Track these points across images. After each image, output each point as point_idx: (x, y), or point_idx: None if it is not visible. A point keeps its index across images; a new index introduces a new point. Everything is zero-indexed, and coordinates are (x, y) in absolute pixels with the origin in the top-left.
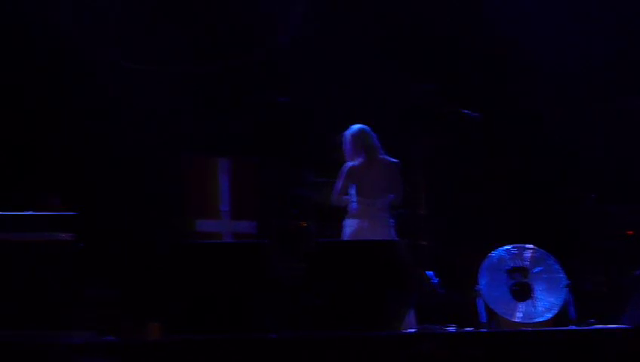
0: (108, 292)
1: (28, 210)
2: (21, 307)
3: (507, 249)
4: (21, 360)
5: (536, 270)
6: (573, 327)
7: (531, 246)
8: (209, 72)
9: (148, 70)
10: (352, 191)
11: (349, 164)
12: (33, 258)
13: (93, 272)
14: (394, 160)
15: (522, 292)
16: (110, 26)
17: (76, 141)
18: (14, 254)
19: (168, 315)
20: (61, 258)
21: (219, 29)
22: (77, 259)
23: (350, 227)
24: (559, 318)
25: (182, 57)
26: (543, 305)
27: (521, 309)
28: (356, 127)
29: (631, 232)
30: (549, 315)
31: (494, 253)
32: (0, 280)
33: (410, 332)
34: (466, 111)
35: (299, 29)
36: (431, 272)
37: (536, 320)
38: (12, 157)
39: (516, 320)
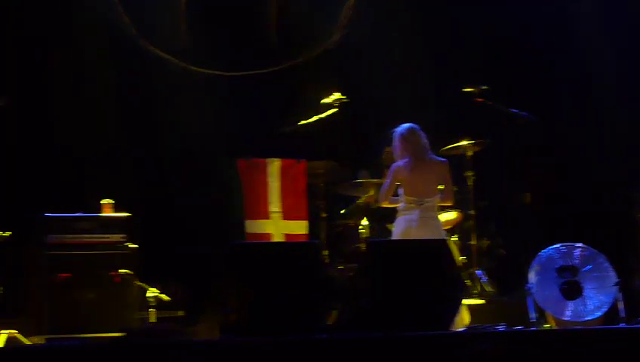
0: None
1: (82, 212)
2: (72, 309)
3: (557, 247)
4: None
5: (585, 268)
6: (623, 326)
7: (581, 244)
8: (259, 74)
9: (201, 72)
10: (401, 190)
11: (397, 164)
12: (88, 259)
13: (147, 273)
14: (442, 159)
15: (572, 291)
16: (167, 29)
17: (130, 143)
18: (68, 256)
19: (223, 316)
20: (115, 258)
21: (270, 31)
22: (129, 260)
23: (399, 226)
24: (609, 317)
25: (233, 59)
26: (593, 304)
27: (570, 308)
28: (405, 126)
29: None
30: (598, 314)
31: (544, 252)
32: (56, 280)
33: (460, 332)
34: (515, 110)
35: (351, 28)
36: (480, 271)
37: (586, 318)
38: (67, 159)
39: (566, 319)
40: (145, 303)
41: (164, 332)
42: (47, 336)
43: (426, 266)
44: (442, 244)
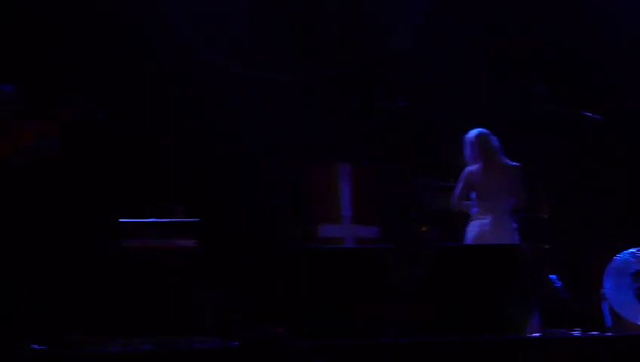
0: (231, 297)
1: (152, 218)
2: (145, 314)
3: (632, 252)
4: None
5: None
6: None
7: None
8: (329, 77)
9: (269, 77)
10: (473, 195)
11: (468, 168)
12: (157, 264)
13: (216, 278)
14: (514, 163)
15: None
16: (233, 36)
17: (199, 148)
18: (139, 260)
19: (291, 320)
20: (184, 264)
21: (338, 33)
22: (199, 265)
23: (472, 231)
24: None
25: (303, 63)
26: None
27: None
28: (476, 130)
29: None
30: None
31: (619, 256)
32: (125, 286)
33: (534, 337)
34: (587, 113)
35: (419, 31)
36: (554, 276)
37: None
38: (137, 164)
39: None
40: (213, 308)
41: (274, 338)
42: (120, 340)
43: (501, 271)
44: (517, 249)
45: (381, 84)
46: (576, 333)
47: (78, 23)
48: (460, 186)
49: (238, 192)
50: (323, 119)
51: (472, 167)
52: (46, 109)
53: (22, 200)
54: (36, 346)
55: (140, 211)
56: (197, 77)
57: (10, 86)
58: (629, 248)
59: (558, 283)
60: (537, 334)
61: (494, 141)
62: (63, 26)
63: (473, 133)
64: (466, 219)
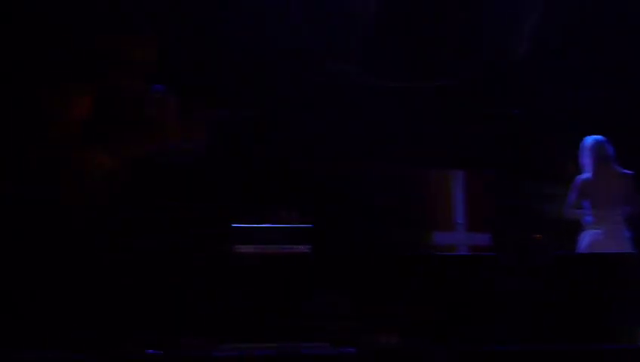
0: (343, 303)
1: (266, 223)
2: (258, 319)
3: None
4: None
5: None
6: None
7: None
8: (442, 86)
9: (384, 86)
10: (586, 203)
11: (581, 176)
12: (270, 269)
13: (329, 284)
14: (628, 171)
15: None
16: (349, 44)
17: (313, 154)
18: (255, 266)
19: (403, 325)
20: (298, 270)
21: (451, 41)
22: (313, 270)
23: (585, 240)
24: None
25: (416, 71)
26: None
27: None
28: (591, 138)
29: None
30: None
31: None
32: (238, 291)
33: None
34: None
35: (533, 39)
36: None
37: None
38: (252, 171)
39: None
40: (327, 313)
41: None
42: (238, 346)
43: (615, 280)
44: (631, 258)
45: (496, 92)
46: None
47: (235, 35)
48: (573, 194)
49: (353, 198)
50: (439, 126)
51: (585, 176)
52: (194, 110)
53: (163, 198)
54: (151, 351)
55: (254, 216)
56: (319, 85)
57: (162, 85)
58: None
59: None
60: None
61: (609, 149)
62: (220, 37)
63: (588, 140)
64: (578, 227)
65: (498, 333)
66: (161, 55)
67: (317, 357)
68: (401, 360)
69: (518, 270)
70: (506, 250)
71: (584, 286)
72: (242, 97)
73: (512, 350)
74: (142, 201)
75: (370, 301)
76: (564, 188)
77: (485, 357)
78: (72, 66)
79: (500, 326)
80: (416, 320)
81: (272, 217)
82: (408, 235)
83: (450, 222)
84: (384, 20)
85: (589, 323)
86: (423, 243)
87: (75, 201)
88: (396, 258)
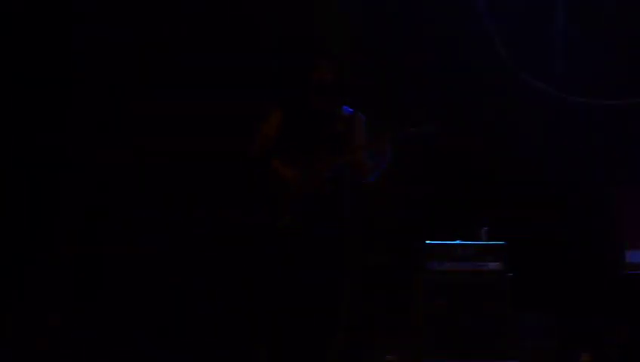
0: (543, 323)
1: (458, 240)
2: (452, 336)
3: None
4: None
5: None
6: None
7: None
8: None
9: (587, 103)
10: None
11: None
12: (466, 287)
13: (526, 303)
14: None
15: None
16: (542, 56)
17: (506, 173)
18: (446, 283)
19: (601, 347)
20: (492, 288)
21: None
22: (507, 288)
23: None
24: None
25: (621, 88)
26: None
27: None
28: None
29: None
30: None
31: None
32: (433, 309)
33: None
34: None
35: None
36: None
37: None
38: (440, 189)
39: None
40: (524, 333)
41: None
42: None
43: None
44: None
45: None
46: None
47: (421, 52)
48: None
49: (549, 216)
50: (635, 143)
51: None
52: (381, 128)
53: (353, 215)
54: None
55: (447, 233)
56: (513, 101)
57: (350, 105)
58: None
59: None
60: None
61: None
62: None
63: None
64: None
65: None
66: (350, 74)
67: None
68: None
69: None
70: None
71: None
72: (430, 114)
73: None
74: (334, 218)
75: (566, 320)
76: None
77: None
78: (265, 83)
79: None
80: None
81: (464, 234)
82: (607, 254)
83: None
84: (585, 36)
85: None
86: (617, 262)
87: (268, 219)
88: (602, 277)
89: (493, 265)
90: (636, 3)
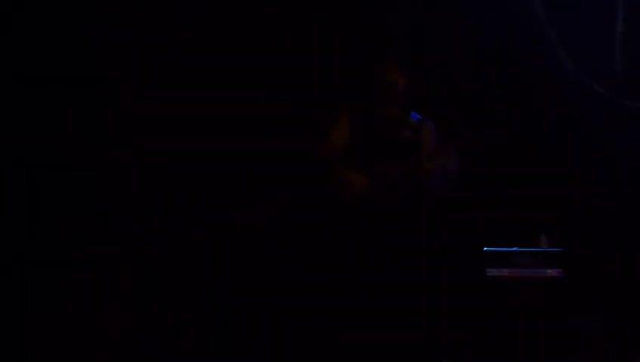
0: (602, 327)
1: (516, 246)
2: (512, 344)
3: None
4: None
5: None
6: None
7: None
8: None
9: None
10: None
11: None
12: (523, 294)
13: (585, 308)
14: None
15: None
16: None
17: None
18: (505, 290)
19: None
20: (549, 294)
21: None
22: (565, 295)
23: None
24: None
25: None
26: None
27: None
28: None
29: None
30: None
31: None
32: (490, 316)
33: None
34: None
35: None
36: None
37: None
38: (503, 195)
39: None
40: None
41: None
42: None
43: None
44: None
45: None
46: None
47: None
48: None
49: (606, 222)
50: None
51: None
52: (451, 136)
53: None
54: None
55: (505, 239)
56: (581, 108)
57: (418, 113)
58: None
59: None
60: None
61: None
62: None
63: None
64: None
65: None
66: (417, 81)
67: None
68: None
69: None
70: None
71: None
72: (498, 121)
73: None
74: (396, 228)
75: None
76: None
77: None
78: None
79: None
80: None
81: (523, 240)
82: None
83: None
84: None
85: None
86: None
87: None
88: None
89: (553, 272)
90: None
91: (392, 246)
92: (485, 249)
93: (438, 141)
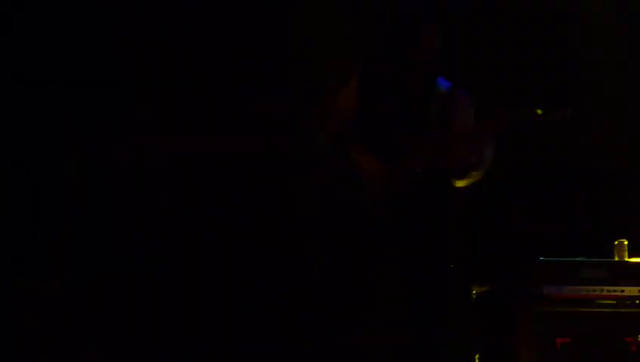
0: None
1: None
2: None
3: None
4: None
5: None
6: None
7: None
8: None
9: None
10: None
11: None
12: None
13: None
14: None
15: None
16: None
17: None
18: (568, 314)
19: None
20: (630, 318)
21: None
22: None
23: None
24: None
25: None
26: None
27: None
28: None
29: None
30: None
31: None
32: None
33: None
34: None
35: None
36: None
37: None
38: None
39: None
40: None
41: None
42: None
43: None
44: None
45: None
46: None
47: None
48: None
49: None
50: None
51: None
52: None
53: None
54: None
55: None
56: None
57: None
58: None
59: None
60: None
61: None
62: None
63: None
64: None
65: None
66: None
67: None
68: None
69: None
70: None
71: None
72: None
73: None
74: (423, 226)
75: None
76: None
77: None
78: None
79: None
80: None
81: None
82: None
83: None
84: None
85: None
86: None
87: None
88: None
89: (634, 290)
90: None
91: (409, 254)
92: (541, 259)
93: (473, 118)
